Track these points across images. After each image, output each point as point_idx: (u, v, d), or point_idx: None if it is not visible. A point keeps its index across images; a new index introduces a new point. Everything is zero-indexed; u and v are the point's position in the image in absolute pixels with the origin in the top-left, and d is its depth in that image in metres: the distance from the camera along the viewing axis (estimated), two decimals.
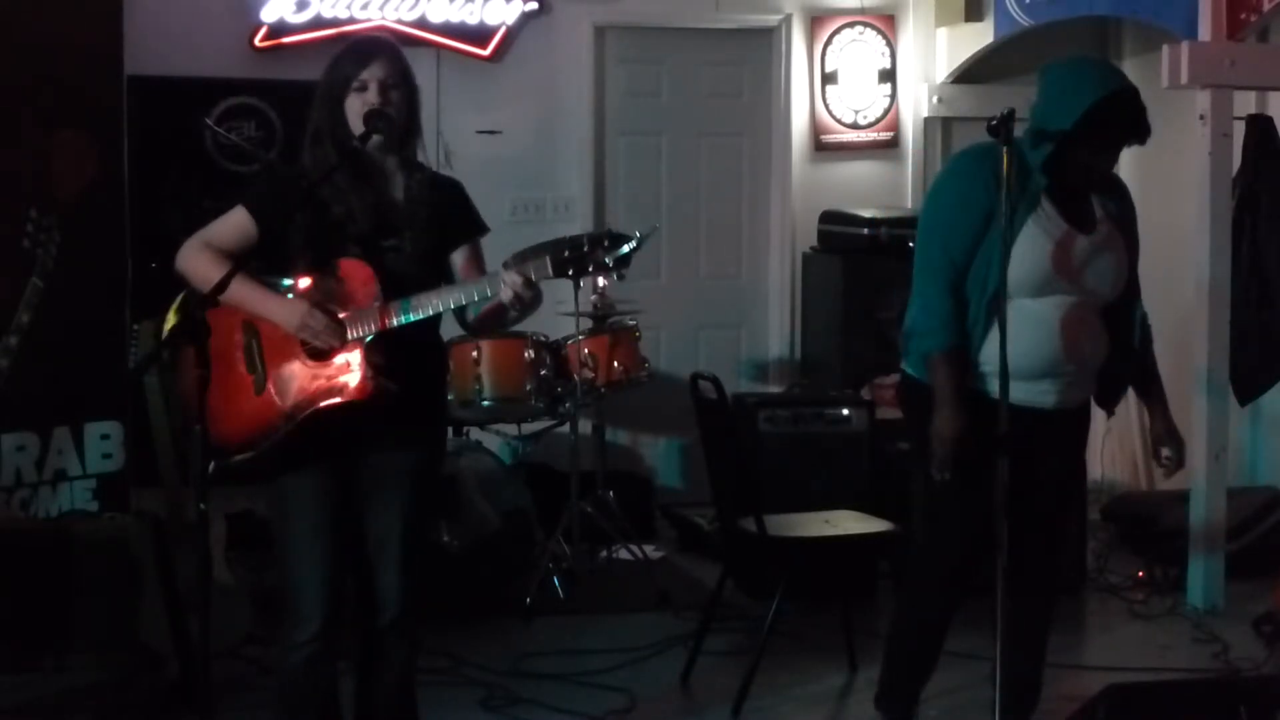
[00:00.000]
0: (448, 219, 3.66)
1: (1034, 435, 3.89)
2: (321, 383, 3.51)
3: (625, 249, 3.42)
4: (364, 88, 3.54)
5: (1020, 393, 3.87)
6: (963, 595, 4.08)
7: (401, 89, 3.59)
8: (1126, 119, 3.85)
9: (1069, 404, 4.04)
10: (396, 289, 3.51)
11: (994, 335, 3.79)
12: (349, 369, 3.50)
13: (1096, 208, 4.02)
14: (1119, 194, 4.10)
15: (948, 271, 3.92)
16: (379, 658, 3.72)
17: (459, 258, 3.67)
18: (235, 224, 3.61)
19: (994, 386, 3.79)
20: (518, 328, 5.43)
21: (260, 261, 3.55)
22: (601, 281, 6.31)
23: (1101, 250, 3.98)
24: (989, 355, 3.86)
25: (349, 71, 3.57)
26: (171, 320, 4.66)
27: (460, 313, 3.65)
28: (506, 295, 3.44)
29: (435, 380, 3.78)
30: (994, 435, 3.73)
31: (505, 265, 3.46)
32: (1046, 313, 3.93)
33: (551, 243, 3.49)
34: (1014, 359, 3.78)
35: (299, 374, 3.53)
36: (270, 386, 3.55)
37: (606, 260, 3.42)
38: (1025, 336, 3.88)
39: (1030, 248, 3.88)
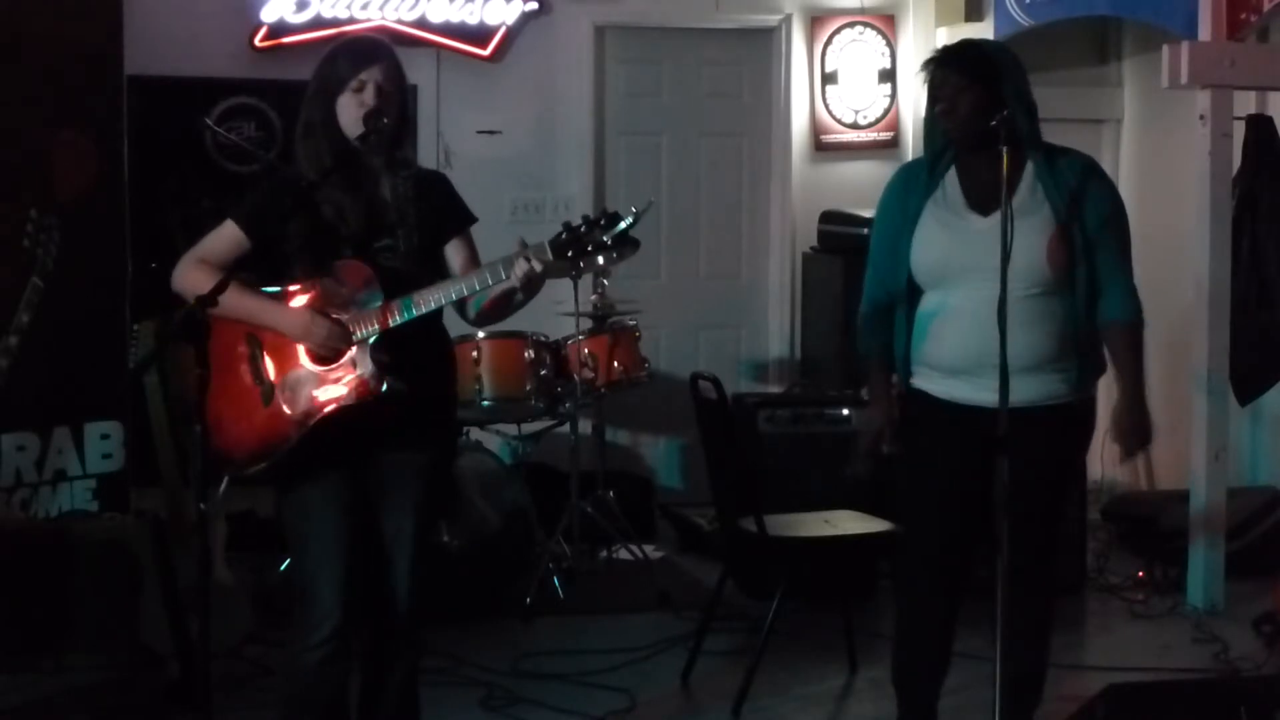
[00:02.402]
0: (438, 213, 3.66)
1: (985, 435, 3.65)
2: (329, 387, 3.51)
3: (621, 226, 3.43)
4: (361, 88, 3.54)
5: (952, 389, 3.89)
6: (950, 593, 4.04)
7: (397, 92, 3.60)
8: (934, 62, 3.89)
9: (1018, 402, 3.63)
10: (394, 288, 3.51)
11: (916, 334, 3.91)
12: (355, 370, 3.50)
13: (1025, 184, 3.81)
14: (1080, 171, 3.87)
15: (871, 277, 4.03)
16: (385, 656, 3.72)
17: (453, 251, 3.66)
18: (226, 238, 3.62)
19: (928, 384, 3.92)
20: (518, 328, 5.52)
21: (257, 269, 3.55)
22: (604, 281, 6.32)
23: (997, 230, 3.61)
24: (915, 354, 3.94)
25: (346, 71, 3.56)
26: (153, 343, 4.68)
27: (460, 307, 3.65)
28: (520, 271, 3.43)
29: (444, 379, 3.76)
30: (937, 432, 3.89)
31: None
32: (957, 303, 3.83)
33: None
34: (935, 354, 3.88)
35: (305, 380, 3.53)
36: (278, 396, 3.54)
37: (605, 239, 3.43)
38: (941, 330, 3.87)
39: (922, 237, 3.89)
